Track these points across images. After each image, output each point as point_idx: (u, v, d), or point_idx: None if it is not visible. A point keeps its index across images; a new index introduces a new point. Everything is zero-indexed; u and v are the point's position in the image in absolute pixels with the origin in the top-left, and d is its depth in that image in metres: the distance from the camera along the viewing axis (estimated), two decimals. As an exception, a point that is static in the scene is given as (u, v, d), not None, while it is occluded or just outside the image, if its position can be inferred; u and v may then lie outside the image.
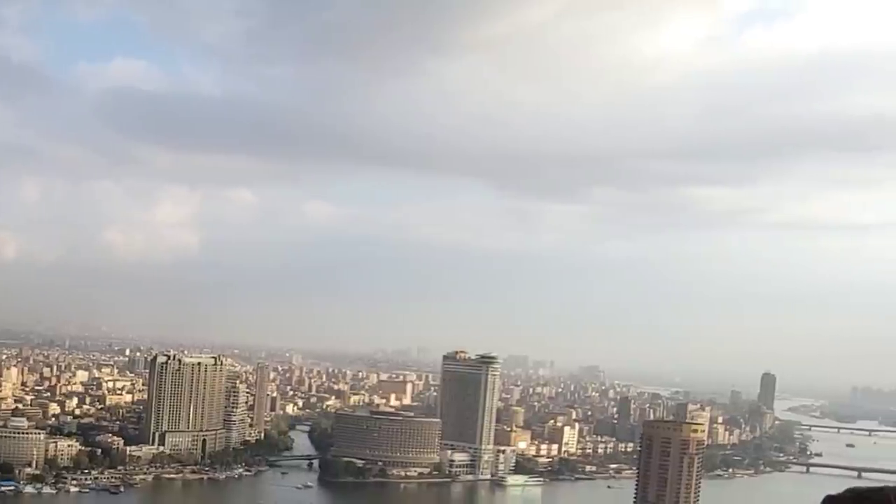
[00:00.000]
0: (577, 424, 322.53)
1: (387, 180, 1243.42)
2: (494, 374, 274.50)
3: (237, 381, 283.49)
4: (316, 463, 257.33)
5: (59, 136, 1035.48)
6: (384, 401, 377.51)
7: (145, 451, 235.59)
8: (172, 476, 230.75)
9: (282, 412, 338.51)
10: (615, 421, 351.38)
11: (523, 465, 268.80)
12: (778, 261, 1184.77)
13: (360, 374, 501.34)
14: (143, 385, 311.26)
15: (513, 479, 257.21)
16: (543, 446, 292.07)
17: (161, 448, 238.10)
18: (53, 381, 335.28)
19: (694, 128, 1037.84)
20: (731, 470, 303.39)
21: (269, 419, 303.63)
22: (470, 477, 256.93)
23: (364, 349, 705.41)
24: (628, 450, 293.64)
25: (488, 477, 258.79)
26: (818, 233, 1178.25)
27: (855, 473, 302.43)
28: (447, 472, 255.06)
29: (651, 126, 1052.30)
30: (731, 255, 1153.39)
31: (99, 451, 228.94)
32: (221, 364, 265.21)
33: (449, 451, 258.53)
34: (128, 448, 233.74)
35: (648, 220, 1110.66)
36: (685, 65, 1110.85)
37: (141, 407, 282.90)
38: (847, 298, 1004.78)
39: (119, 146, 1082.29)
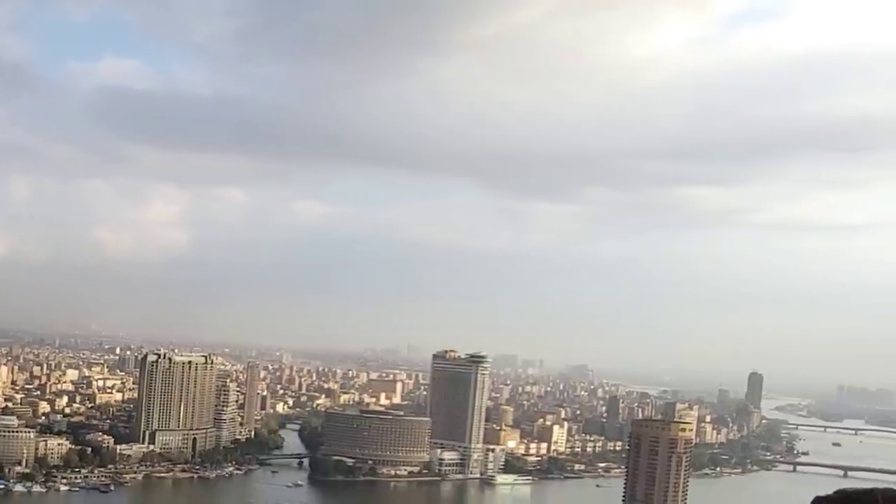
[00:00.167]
0: (566, 423, 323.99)
1: (378, 180, 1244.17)
2: (484, 374, 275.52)
3: (227, 380, 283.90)
4: (306, 461, 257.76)
5: (49, 135, 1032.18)
6: (374, 400, 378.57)
7: (135, 449, 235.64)
8: (162, 475, 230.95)
9: (272, 411, 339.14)
10: (604, 420, 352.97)
11: (513, 464, 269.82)
12: (767, 261, 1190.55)
13: (350, 373, 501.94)
14: (133, 384, 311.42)
15: (502, 478, 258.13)
16: (533, 445, 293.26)
17: (151, 447, 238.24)
18: (43, 379, 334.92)
19: (684, 128, 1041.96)
20: (718, 469, 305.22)
21: (259, 418, 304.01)
22: (459, 476, 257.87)
23: (354, 348, 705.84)
24: (617, 448, 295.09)
25: (478, 476, 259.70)
26: (807, 233, 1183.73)
27: (841, 472, 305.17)
28: (437, 471, 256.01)
29: (642, 126, 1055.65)
30: (721, 256, 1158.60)
31: (89, 449, 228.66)
32: (212, 363, 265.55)
33: (438, 450, 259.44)
34: (118, 447, 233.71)
35: (639, 220, 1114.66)
36: (675, 65, 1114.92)
37: (131, 406, 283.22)
38: (834, 298, 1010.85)
39: (109, 145, 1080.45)
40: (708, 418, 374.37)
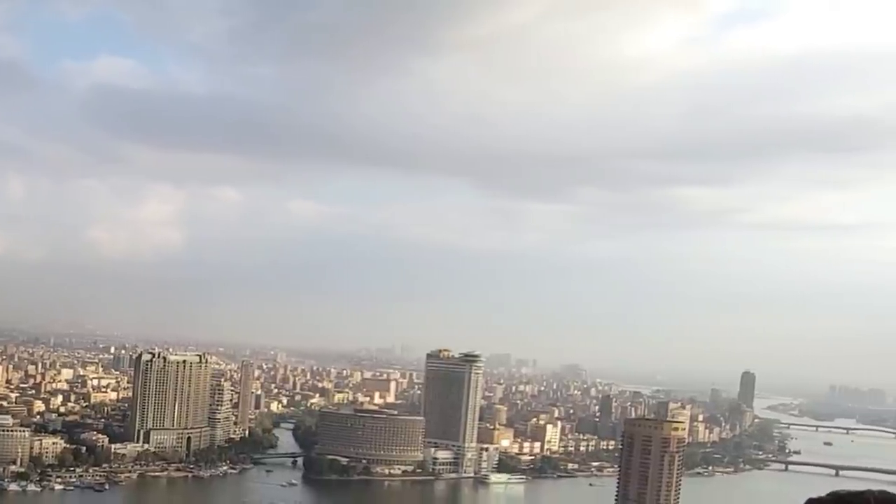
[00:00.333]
0: (559, 422, 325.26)
1: (372, 180, 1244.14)
2: (477, 373, 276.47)
3: (222, 379, 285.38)
4: (300, 461, 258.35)
5: (44, 134, 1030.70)
6: (368, 399, 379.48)
7: (130, 448, 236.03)
8: (157, 474, 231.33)
9: (266, 410, 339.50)
10: (597, 419, 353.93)
11: (506, 463, 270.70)
12: (759, 261, 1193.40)
13: (345, 372, 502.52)
14: (128, 383, 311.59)
15: (496, 477, 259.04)
16: (526, 444, 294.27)
17: (146, 446, 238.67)
18: (38, 378, 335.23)
19: (677, 128, 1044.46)
20: (710, 468, 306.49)
21: (253, 417, 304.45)
22: (453, 475, 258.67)
23: (348, 347, 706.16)
24: (610, 448, 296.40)
25: (471, 475, 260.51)
26: (799, 233, 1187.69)
27: (833, 471, 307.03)
28: (430, 470, 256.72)
29: (635, 126, 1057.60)
30: (714, 256, 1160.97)
31: (84, 448, 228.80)
32: (206, 362, 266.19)
33: (432, 449, 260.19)
34: (112, 446, 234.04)
35: (631, 220, 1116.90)
36: (668, 65, 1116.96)
37: (126, 405, 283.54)
38: (826, 298, 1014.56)
39: (104, 144, 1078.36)
40: (700, 417, 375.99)
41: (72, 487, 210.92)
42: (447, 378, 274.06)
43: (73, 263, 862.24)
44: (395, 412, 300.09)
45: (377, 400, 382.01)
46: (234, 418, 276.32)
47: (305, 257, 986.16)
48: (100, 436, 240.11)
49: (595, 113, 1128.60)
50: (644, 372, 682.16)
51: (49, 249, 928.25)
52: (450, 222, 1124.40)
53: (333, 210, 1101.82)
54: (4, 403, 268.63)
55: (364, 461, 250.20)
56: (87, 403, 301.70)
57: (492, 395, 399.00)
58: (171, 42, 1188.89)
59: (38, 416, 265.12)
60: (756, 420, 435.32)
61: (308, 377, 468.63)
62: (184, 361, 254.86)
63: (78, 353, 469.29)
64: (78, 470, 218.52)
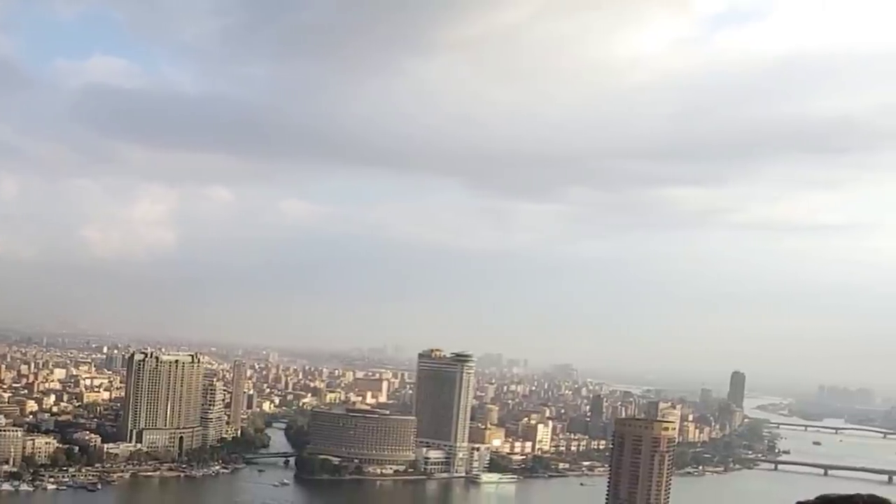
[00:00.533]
0: (550, 422, 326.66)
1: (364, 179, 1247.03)
2: (469, 373, 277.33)
3: (214, 379, 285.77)
4: (292, 460, 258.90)
5: (37, 134, 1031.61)
6: (360, 398, 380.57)
7: (122, 448, 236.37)
8: (149, 473, 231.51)
9: (258, 410, 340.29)
10: (588, 419, 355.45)
11: (497, 463, 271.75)
12: (748, 261, 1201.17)
13: (337, 372, 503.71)
14: (120, 383, 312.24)
15: (487, 477, 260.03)
16: (517, 444, 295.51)
17: (138, 446, 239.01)
18: (31, 378, 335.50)
19: (667, 129, 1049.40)
20: (700, 467, 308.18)
21: (245, 417, 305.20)
22: (445, 474, 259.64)
23: (340, 347, 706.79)
24: (601, 447, 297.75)
25: (463, 474, 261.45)
26: (787, 233, 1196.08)
27: (821, 471, 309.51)
28: (422, 470, 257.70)
29: (625, 127, 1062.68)
30: (703, 255, 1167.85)
31: (76, 448, 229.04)
32: (199, 362, 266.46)
33: (424, 449, 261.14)
34: (105, 445, 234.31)
35: (622, 220, 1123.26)
36: (659, 66, 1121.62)
37: (118, 404, 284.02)
38: (815, 298, 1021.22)
39: (97, 144, 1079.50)
40: (690, 417, 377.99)
41: (64, 487, 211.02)
42: (439, 378, 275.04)
43: (65, 263, 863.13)
44: (387, 412, 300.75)
45: (369, 400, 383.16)
46: (226, 418, 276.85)
47: (298, 257, 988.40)
48: (92, 435, 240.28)
49: (586, 113, 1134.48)
50: (635, 372, 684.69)
51: (42, 249, 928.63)
52: (441, 222, 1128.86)
53: (325, 210, 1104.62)
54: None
55: (356, 461, 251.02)
56: (79, 403, 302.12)
57: (483, 394, 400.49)
58: (164, 42, 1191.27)
59: (31, 416, 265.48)
60: (746, 420, 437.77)
61: (300, 377, 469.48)
62: (176, 361, 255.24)
63: (71, 353, 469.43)
64: (70, 470, 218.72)
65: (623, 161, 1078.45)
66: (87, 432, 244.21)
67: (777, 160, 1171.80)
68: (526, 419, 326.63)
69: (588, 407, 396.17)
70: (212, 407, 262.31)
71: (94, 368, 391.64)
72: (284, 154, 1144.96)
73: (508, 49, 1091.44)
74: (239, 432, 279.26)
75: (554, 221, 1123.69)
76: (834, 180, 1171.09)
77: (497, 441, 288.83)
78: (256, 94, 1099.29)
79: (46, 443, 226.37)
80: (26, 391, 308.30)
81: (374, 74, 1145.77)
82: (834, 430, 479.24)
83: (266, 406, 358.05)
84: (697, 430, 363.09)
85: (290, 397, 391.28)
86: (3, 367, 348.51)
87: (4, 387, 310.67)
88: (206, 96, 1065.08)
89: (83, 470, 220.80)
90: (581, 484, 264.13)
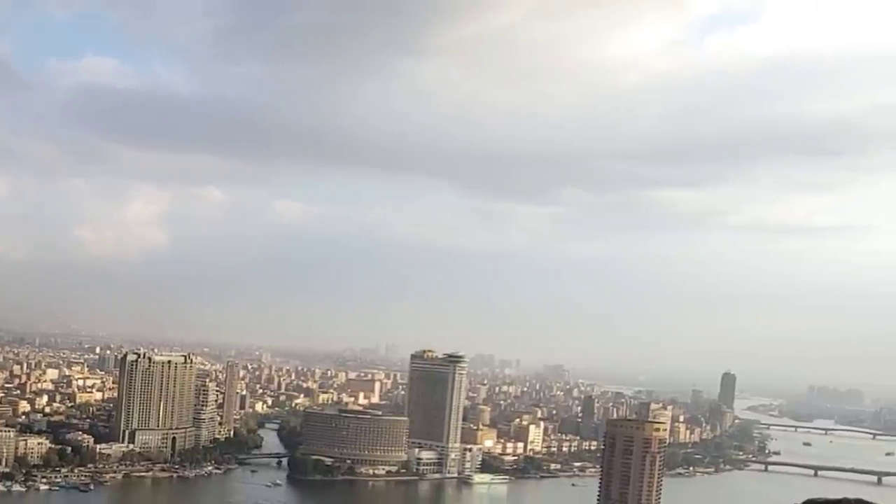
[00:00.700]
0: (542, 423, 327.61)
1: (358, 180, 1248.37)
2: (461, 373, 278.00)
3: (207, 380, 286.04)
4: (285, 461, 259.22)
5: (30, 133, 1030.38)
6: (353, 399, 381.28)
7: (115, 449, 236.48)
8: (142, 474, 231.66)
9: (251, 410, 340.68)
10: (579, 420, 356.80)
11: (489, 464, 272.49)
12: (741, 262, 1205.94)
13: (329, 372, 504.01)
14: (113, 383, 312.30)
15: (479, 478, 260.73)
16: (509, 444, 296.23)
17: (131, 446, 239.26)
18: (23, 378, 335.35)
19: (661, 130, 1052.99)
20: (691, 468, 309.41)
21: (238, 417, 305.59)
22: (437, 475, 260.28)
23: (333, 348, 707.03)
24: (592, 448, 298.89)
25: (455, 475, 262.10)
26: (779, 235, 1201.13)
27: (811, 472, 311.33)
28: (415, 471, 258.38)
29: (619, 128, 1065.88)
30: (696, 257, 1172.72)
31: (69, 449, 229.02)
32: (191, 362, 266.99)
33: (416, 450, 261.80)
34: (98, 446, 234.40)
35: (616, 222, 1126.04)
36: (652, 68, 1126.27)
37: (111, 405, 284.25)
38: (806, 300, 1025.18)
39: (89, 144, 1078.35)
40: (681, 418, 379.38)
41: (57, 488, 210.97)
42: (431, 378, 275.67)
43: (58, 263, 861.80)
44: (380, 412, 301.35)
45: (361, 400, 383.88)
46: (218, 418, 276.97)
47: (291, 258, 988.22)
48: (85, 436, 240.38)
49: (580, 114, 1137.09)
50: (626, 373, 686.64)
51: (34, 249, 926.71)
52: (436, 223, 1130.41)
53: (319, 210, 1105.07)
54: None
55: (348, 461, 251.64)
56: (72, 404, 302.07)
57: (475, 395, 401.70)
58: (157, 42, 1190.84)
59: (24, 417, 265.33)
60: (736, 421, 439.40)
61: (293, 377, 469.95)
62: (169, 362, 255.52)
63: (63, 354, 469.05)
64: (63, 470, 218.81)
65: (618, 162, 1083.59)
66: (80, 433, 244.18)
67: (770, 162, 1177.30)
68: (518, 420, 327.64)
69: (580, 408, 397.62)
70: (204, 407, 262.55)
71: (86, 369, 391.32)
72: (278, 155, 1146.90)
73: (503, 50, 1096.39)
74: (232, 433, 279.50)
75: (548, 222, 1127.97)
76: (828, 182, 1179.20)
77: (489, 442, 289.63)
78: (250, 94, 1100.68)
79: (39, 443, 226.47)
80: (19, 391, 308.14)
81: (369, 75, 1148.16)
82: (824, 431, 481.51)
83: (259, 406, 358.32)
84: (688, 431, 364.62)
85: (282, 398, 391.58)
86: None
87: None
88: (199, 97, 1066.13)
89: (76, 470, 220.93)
90: (572, 484, 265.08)
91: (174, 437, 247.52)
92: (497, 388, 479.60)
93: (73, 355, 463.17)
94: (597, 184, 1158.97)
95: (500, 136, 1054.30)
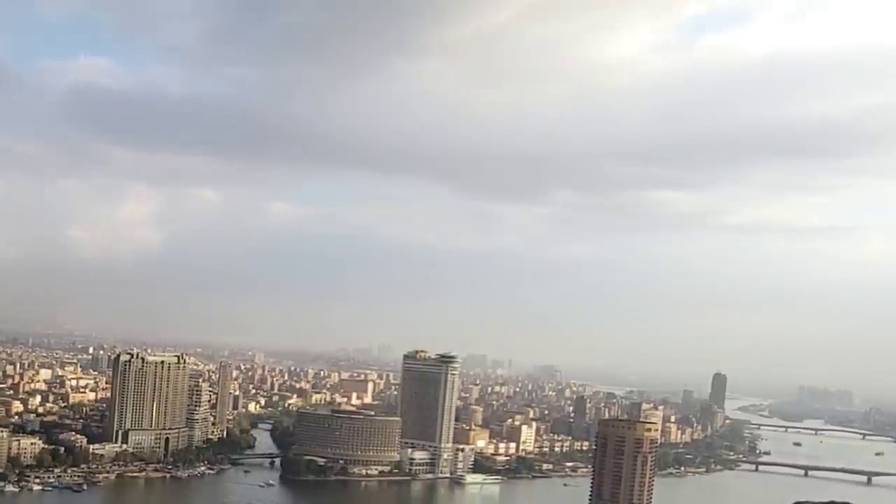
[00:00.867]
0: (534, 423, 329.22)
1: (351, 181, 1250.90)
2: (454, 374, 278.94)
3: (200, 380, 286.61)
4: (278, 461, 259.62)
5: (24, 133, 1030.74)
6: (345, 399, 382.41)
7: (108, 449, 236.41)
8: (135, 474, 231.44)
9: (244, 410, 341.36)
10: (571, 420, 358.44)
11: (482, 464, 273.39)
12: (732, 264, 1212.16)
13: (322, 372, 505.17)
14: (106, 383, 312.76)
15: (471, 478, 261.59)
16: (501, 445, 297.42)
17: (124, 446, 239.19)
18: (16, 378, 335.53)
19: (652, 131, 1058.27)
20: (683, 468, 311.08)
21: (231, 417, 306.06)
22: (429, 475, 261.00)
23: (326, 348, 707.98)
24: (584, 448, 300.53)
25: (447, 475, 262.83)
26: (770, 236, 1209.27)
27: (802, 472, 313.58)
28: (407, 471, 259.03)
29: (610, 129, 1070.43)
30: (687, 258, 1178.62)
31: (62, 449, 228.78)
32: (184, 362, 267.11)
33: (409, 450, 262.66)
34: (91, 446, 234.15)
35: (606, 223, 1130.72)
36: (643, 69, 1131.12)
37: (104, 405, 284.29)
38: (796, 300, 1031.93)
39: (82, 144, 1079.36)
40: (673, 418, 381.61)
41: (50, 488, 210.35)
42: (424, 379, 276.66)
43: (51, 263, 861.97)
44: (372, 413, 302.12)
45: (354, 400, 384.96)
46: (211, 419, 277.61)
47: (284, 258, 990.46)
48: (78, 436, 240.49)
49: (572, 115, 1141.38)
50: (618, 373, 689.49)
51: (27, 249, 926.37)
52: (428, 224, 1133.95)
53: (312, 211, 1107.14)
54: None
55: (341, 461, 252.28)
56: (65, 404, 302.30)
57: (468, 395, 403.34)
58: (149, 43, 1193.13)
59: (16, 417, 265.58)
60: (727, 421, 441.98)
61: (286, 378, 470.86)
62: (162, 362, 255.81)
63: (56, 354, 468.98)
64: (56, 470, 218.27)
65: (610, 163, 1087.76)
66: (73, 433, 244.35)
67: (760, 164, 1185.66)
68: (510, 420, 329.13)
69: (571, 408, 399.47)
70: (197, 408, 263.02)
71: (79, 369, 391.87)
72: (271, 155, 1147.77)
73: (496, 51, 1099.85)
74: (225, 433, 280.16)
75: (541, 223, 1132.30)
76: (818, 184, 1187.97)
77: (481, 442, 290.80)
78: (242, 95, 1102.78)
79: (32, 443, 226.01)
80: (12, 392, 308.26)
81: (362, 76, 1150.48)
82: (814, 431, 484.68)
83: (252, 407, 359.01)
84: (679, 431, 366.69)
85: (275, 398, 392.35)
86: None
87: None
88: (191, 97, 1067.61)
89: (69, 471, 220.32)
90: (564, 484, 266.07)
91: (167, 438, 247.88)
92: (489, 389, 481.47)
93: (67, 355, 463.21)
94: (589, 185, 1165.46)
95: (494, 136, 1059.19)
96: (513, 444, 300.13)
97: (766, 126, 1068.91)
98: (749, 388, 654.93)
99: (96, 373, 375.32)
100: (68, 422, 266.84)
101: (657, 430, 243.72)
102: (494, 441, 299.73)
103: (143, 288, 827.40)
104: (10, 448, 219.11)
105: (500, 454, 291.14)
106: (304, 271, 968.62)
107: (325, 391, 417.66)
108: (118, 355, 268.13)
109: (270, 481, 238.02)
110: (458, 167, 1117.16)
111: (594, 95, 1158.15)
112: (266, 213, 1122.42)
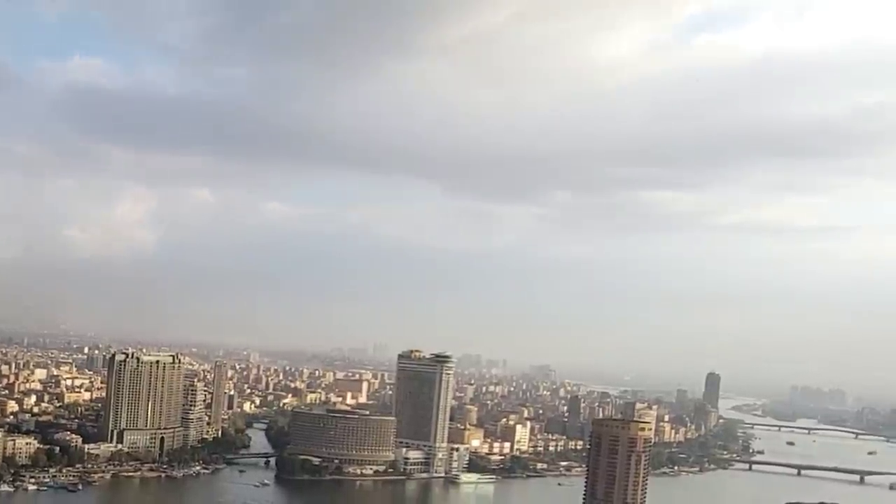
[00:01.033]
0: (528, 423, 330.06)
1: (346, 181, 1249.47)
2: (448, 373, 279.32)
3: (195, 380, 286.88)
4: (273, 461, 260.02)
5: (20, 133, 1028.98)
6: (340, 399, 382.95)
7: (103, 448, 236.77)
8: (130, 474, 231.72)
9: (239, 410, 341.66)
10: (565, 419, 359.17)
11: (476, 463, 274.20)
12: (726, 263, 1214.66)
13: (317, 372, 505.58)
14: (101, 383, 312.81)
15: (466, 477, 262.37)
16: (496, 444, 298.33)
17: (119, 446, 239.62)
18: (12, 378, 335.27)
19: (648, 131, 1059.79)
20: (676, 467, 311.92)
21: (226, 417, 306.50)
22: (424, 475, 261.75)
23: (321, 348, 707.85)
24: (578, 448, 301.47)
25: (442, 475, 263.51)
26: (764, 236, 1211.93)
27: (795, 471, 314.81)
28: (402, 470, 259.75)
29: (605, 129, 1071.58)
30: (681, 258, 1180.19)
31: (57, 449, 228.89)
32: (179, 362, 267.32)
33: (404, 449, 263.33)
34: (86, 446, 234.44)
35: (601, 223, 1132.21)
36: (637, 70, 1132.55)
37: (99, 405, 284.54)
38: (790, 300, 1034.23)
39: (79, 144, 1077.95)
40: (666, 418, 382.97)
41: (45, 488, 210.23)
42: (418, 378, 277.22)
43: (46, 263, 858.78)
44: (367, 412, 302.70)
45: (349, 400, 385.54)
46: (207, 418, 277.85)
47: (279, 258, 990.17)
48: (73, 436, 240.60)
49: (566, 116, 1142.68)
50: (612, 373, 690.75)
51: (22, 248, 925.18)
52: (423, 224, 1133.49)
53: (307, 211, 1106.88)
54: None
55: (336, 461, 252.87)
56: (60, 403, 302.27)
57: (462, 395, 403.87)
58: (145, 43, 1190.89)
59: (12, 417, 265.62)
60: (721, 420, 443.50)
61: (281, 377, 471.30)
62: (157, 362, 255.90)
63: (52, 353, 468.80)
64: (51, 470, 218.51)
65: (603, 164, 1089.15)
66: (68, 433, 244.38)
67: (755, 164, 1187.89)
68: (504, 420, 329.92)
69: (566, 407, 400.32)
70: (193, 407, 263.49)
71: (75, 369, 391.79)
72: (266, 155, 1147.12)
73: (490, 52, 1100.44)
74: (220, 433, 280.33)
75: (535, 223, 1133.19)
76: (816, 184, 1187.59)
77: (476, 441, 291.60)
78: (237, 95, 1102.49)
79: (27, 443, 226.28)
80: (7, 391, 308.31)
81: (356, 77, 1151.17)
82: (807, 431, 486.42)
83: (247, 406, 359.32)
84: (673, 431, 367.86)
85: (270, 398, 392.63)
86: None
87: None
88: (188, 97, 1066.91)
89: (64, 470, 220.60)
90: (559, 484, 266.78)
91: (162, 437, 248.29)
92: (484, 388, 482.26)
93: (62, 355, 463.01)
94: (583, 185, 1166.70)
95: (487, 137, 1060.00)
96: (507, 444, 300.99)
97: (765, 126, 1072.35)
98: (743, 387, 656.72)
99: (91, 372, 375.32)
100: (63, 421, 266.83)
101: (651, 429, 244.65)
102: (489, 440, 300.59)
103: (138, 288, 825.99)
104: (5, 448, 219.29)
105: (495, 454, 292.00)
106: (300, 271, 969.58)
107: (320, 391, 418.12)
108: (113, 355, 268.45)
109: (265, 481, 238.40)
110: (451, 167, 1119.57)
111: (592, 95, 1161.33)
112: (262, 213, 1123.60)
